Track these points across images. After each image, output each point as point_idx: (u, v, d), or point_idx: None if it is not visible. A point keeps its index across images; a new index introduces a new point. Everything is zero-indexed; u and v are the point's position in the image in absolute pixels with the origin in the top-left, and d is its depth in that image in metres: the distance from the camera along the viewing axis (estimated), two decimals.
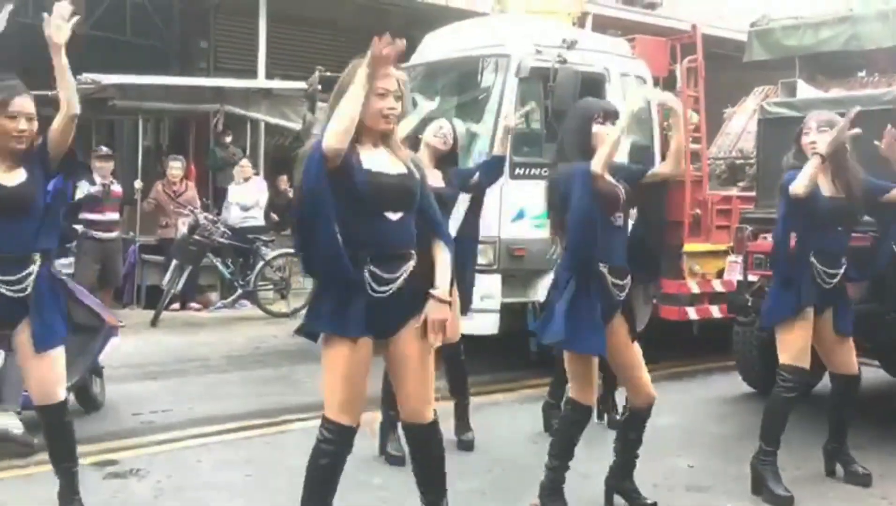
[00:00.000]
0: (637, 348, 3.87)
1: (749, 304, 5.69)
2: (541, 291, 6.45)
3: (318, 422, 5.26)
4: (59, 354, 3.52)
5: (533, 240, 6.55)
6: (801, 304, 4.21)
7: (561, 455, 3.84)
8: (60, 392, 3.56)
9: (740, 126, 9.38)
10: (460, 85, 7.43)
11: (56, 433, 3.59)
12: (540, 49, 6.71)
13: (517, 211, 6.64)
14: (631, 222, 3.97)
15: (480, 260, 5.94)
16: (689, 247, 7.43)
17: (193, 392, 6.24)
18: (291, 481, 4.40)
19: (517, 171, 6.60)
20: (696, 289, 7.37)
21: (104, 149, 9.23)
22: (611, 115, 3.78)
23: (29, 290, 3.42)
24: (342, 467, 3.07)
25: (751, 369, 6.42)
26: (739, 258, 5.84)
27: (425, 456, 3.15)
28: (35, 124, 3.46)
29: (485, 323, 6.44)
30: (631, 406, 3.98)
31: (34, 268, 3.44)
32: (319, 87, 8.31)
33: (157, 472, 4.50)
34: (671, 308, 7.32)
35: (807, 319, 4.24)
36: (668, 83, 7.83)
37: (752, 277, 5.71)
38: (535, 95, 6.53)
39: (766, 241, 5.72)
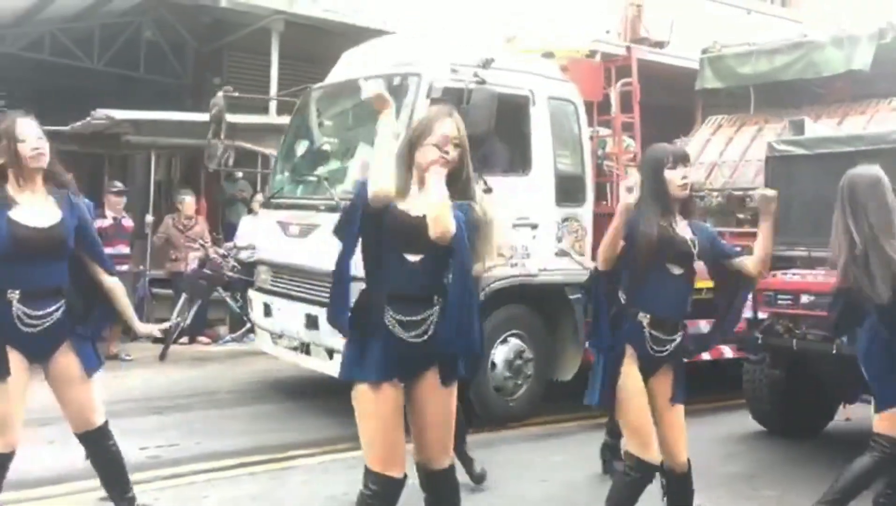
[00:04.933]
0: (679, 412, 3.69)
1: (759, 342, 5.66)
2: None
3: (323, 458, 5.29)
4: (96, 380, 3.66)
5: None
6: None
7: None
8: (98, 418, 3.66)
9: (737, 154, 8.82)
10: (369, 106, 7.18)
11: (102, 459, 3.68)
12: (455, 68, 6.16)
13: None
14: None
15: None
16: None
17: (200, 427, 6.22)
18: None
19: None
20: None
21: (118, 185, 9.34)
22: (680, 159, 3.72)
23: (51, 324, 3.49)
24: None
25: (761, 408, 6.36)
26: (749, 295, 5.80)
27: (441, 502, 3.09)
28: (46, 143, 3.52)
29: None
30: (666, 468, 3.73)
31: (63, 302, 3.54)
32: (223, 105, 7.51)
33: None
34: None
35: None
36: (602, 107, 7.51)
37: (761, 315, 5.68)
38: None
39: (776, 278, 5.72)
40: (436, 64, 6.24)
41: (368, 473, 2.90)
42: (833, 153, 5.71)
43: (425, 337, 2.90)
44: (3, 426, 3.45)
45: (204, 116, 10.73)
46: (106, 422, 3.69)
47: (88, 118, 10.28)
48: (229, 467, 5.27)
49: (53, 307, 3.50)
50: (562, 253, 6.60)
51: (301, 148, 7.21)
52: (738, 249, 4.06)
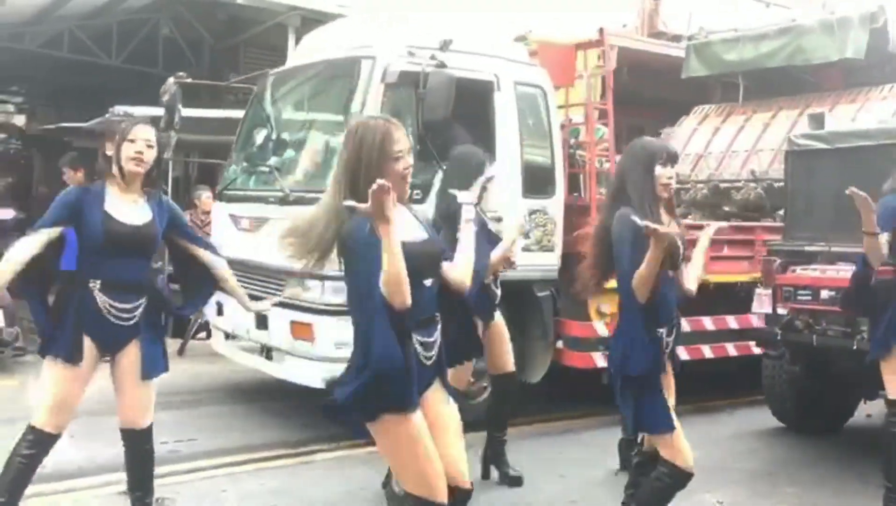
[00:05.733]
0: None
1: (779, 338, 5.62)
2: None
3: (340, 453, 5.29)
4: (155, 384, 3.72)
5: None
6: None
7: None
8: (146, 421, 3.72)
9: (724, 145, 8.55)
10: (324, 92, 6.56)
11: (136, 460, 3.74)
12: (413, 51, 5.77)
13: None
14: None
15: (335, 299, 5.31)
16: None
17: (219, 422, 6.26)
18: None
19: None
20: (603, 332, 6.41)
21: None
22: (672, 159, 3.64)
23: (137, 319, 3.61)
24: None
25: (780, 404, 6.33)
26: (768, 291, 5.77)
27: None
28: (154, 152, 3.63)
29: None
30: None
31: (144, 300, 3.64)
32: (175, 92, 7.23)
33: (182, 502, 4.51)
34: (575, 354, 6.40)
35: None
36: (576, 93, 7.07)
37: (781, 310, 5.64)
38: (406, 105, 5.70)
39: (796, 273, 5.68)
40: (392, 47, 5.86)
41: (410, 497, 2.81)
42: (854, 147, 5.66)
43: (435, 356, 2.90)
44: (58, 409, 3.56)
45: (224, 113, 10.75)
46: (151, 425, 3.75)
47: (107, 115, 10.34)
48: (248, 461, 5.30)
49: (136, 302, 3.60)
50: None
51: (256, 137, 6.83)
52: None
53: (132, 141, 3.57)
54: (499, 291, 4.82)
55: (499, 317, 4.94)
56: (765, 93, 8.38)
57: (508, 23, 8.46)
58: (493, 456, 5.00)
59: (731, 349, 7.06)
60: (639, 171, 3.57)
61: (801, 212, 6.07)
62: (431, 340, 2.87)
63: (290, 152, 6.45)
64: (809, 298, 5.49)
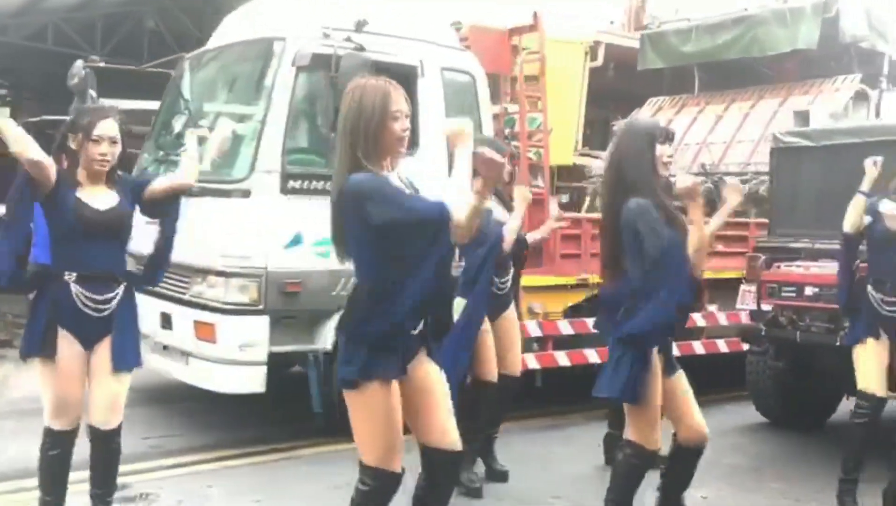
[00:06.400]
0: (681, 377, 3.72)
1: (763, 333, 5.66)
2: (326, 336, 5.36)
3: (327, 448, 5.28)
4: (128, 379, 3.64)
5: (313, 272, 5.27)
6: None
7: (621, 498, 3.67)
8: (116, 419, 3.64)
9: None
10: (237, 76, 6.13)
11: (101, 458, 3.66)
12: (328, 32, 5.43)
13: (292, 235, 5.29)
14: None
15: (240, 297, 5.14)
16: (527, 280, 5.76)
17: (203, 417, 6.23)
18: None
19: (292, 184, 5.29)
20: (535, 331, 6.20)
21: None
22: (669, 136, 3.66)
23: (111, 311, 3.55)
24: None
25: (764, 399, 6.37)
26: (753, 287, 5.80)
27: (446, 486, 3.05)
28: (118, 147, 3.58)
29: (246, 378, 5.23)
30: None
31: (119, 290, 3.58)
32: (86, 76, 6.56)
33: (167, 497, 4.48)
34: None
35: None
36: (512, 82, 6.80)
37: (765, 307, 5.67)
38: (320, 90, 5.40)
39: (780, 270, 5.71)
40: (305, 28, 5.54)
41: (368, 469, 2.89)
42: (839, 145, 5.69)
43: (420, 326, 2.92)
44: (60, 406, 3.52)
45: (143, 104, 10.43)
46: (120, 425, 3.69)
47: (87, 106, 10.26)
48: (233, 456, 5.28)
49: (111, 294, 3.55)
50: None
51: (173, 123, 6.46)
52: None
53: (97, 141, 3.51)
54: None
55: (511, 312, 4.81)
56: (721, 85, 8.27)
57: (487, 13, 8.35)
58: (482, 450, 4.99)
59: (699, 348, 6.92)
60: (639, 152, 3.53)
61: (785, 208, 6.11)
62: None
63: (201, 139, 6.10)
64: (793, 294, 5.53)
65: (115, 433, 3.66)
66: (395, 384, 2.85)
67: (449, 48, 6.20)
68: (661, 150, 3.55)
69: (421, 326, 2.90)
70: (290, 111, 5.34)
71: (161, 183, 3.79)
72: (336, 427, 4.95)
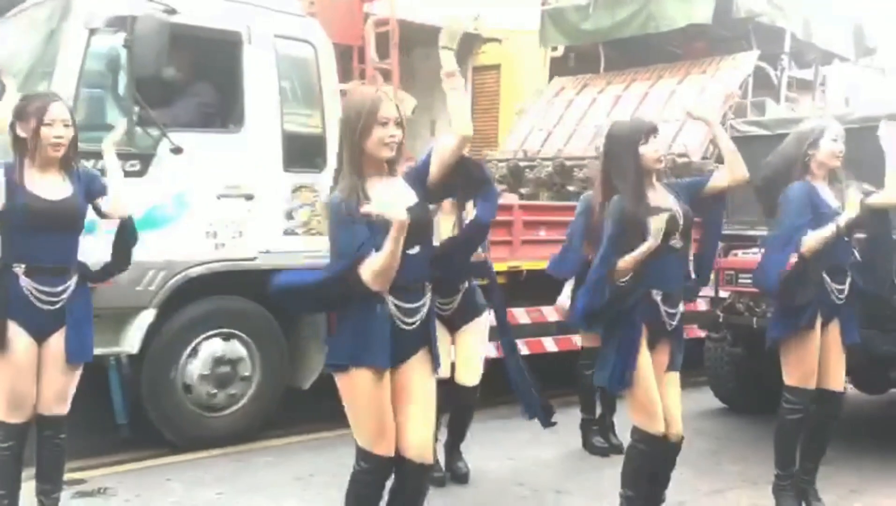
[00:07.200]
0: (675, 379, 3.69)
1: (720, 320, 5.73)
2: (133, 337, 4.90)
3: (287, 440, 5.24)
4: (79, 371, 3.59)
5: None
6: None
7: (632, 485, 3.70)
8: (64, 408, 3.59)
9: (528, 126, 8.09)
10: (32, 42, 5.20)
11: (48, 450, 3.61)
12: None
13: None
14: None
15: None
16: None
17: None
18: (263, 500, 4.37)
19: (83, 162, 4.41)
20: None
21: None
22: (652, 132, 3.61)
23: (63, 303, 3.48)
24: (381, 495, 2.99)
25: (722, 385, 6.46)
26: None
27: (413, 493, 3.02)
28: (71, 131, 3.51)
29: None
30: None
31: (72, 283, 3.50)
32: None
33: (124, 491, 4.42)
34: None
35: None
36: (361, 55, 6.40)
37: (723, 294, 5.75)
38: (119, 56, 4.88)
39: (738, 257, 5.79)
40: None
41: (359, 450, 2.93)
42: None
43: (418, 323, 2.91)
44: (11, 400, 3.45)
45: None
46: (66, 414, 3.62)
47: None
48: (192, 449, 5.21)
49: (63, 286, 3.48)
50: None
51: None
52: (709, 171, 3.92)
53: (49, 125, 3.43)
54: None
55: (483, 318, 4.60)
56: (625, 64, 8.07)
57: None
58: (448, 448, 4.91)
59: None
60: (621, 155, 3.57)
61: (742, 197, 6.17)
62: (413, 306, 2.88)
63: None
64: (750, 281, 5.60)
65: (62, 423, 3.60)
66: (386, 375, 2.87)
67: (283, 13, 5.58)
68: (646, 149, 3.54)
69: (418, 323, 2.89)
70: (81, 79, 4.77)
71: (108, 209, 3.68)
72: (143, 437, 4.79)
